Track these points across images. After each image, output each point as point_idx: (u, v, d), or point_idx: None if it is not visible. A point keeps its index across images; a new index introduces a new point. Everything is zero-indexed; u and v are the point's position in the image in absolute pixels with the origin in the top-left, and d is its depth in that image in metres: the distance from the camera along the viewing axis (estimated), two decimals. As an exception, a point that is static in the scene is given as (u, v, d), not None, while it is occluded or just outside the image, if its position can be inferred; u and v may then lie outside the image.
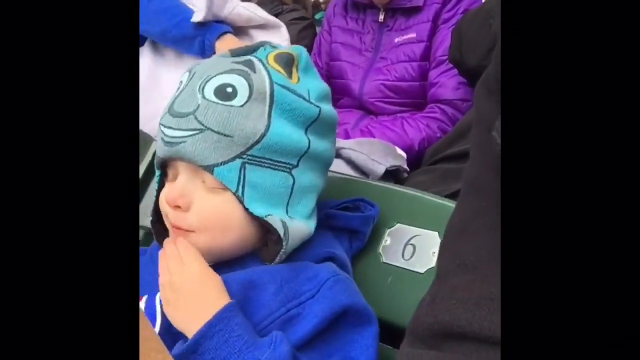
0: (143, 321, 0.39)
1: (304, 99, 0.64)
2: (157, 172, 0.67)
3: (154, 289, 0.62)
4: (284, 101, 0.63)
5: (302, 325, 0.59)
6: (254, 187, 0.62)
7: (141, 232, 0.92)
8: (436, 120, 1.36)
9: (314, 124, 0.65)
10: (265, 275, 0.62)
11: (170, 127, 0.62)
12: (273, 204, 0.63)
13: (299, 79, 0.66)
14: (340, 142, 1.17)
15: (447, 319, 0.44)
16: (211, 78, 0.62)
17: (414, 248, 0.73)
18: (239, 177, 0.61)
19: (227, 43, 1.34)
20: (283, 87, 0.63)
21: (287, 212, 0.65)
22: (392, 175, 1.14)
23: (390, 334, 0.69)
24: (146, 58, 1.44)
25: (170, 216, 0.64)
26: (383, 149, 1.17)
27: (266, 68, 0.64)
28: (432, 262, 0.71)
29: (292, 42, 1.53)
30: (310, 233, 0.66)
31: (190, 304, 0.59)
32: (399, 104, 1.42)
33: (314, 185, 0.67)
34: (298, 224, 0.65)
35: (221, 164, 0.60)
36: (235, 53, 0.66)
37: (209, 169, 0.60)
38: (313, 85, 0.67)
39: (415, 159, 1.29)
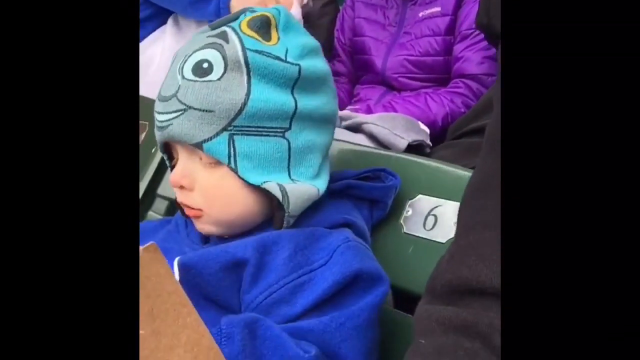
0: (168, 275, 0.40)
1: (281, 59, 0.64)
2: (165, 156, 0.69)
3: (175, 254, 0.63)
4: (259, 66, 0.62)
5: (312, 291, 0.59)
6: (246, 156, 0.62)
7: (166, 203, 0.94)
8: (460, 95, 1.34)
9: (298, 82, 0.64)
10: (279, 240, 0.63)
11: (159, 112, 0.64)
12: (270, 171, 0.64)
13: (278, 39, 0.65)
14: (362, 117, 1.17)
15: (467, 275, 0.45)
16: (189, 57, 0.63)
17: (436, 219, 0.73)
18: (229, 150, 0.62)
19: (242, 1, 1.33)
20: (256, 52, 0.63)
21: (289, 175, 0.65)
22: (414, 150, 1.13)
23: (411, 303, 0.69)
24: (168, 37, 1.45)
25: (177, 196, 0.67)
26: (405, 123, 1.16)
27: (239, 36, 0.63)
28: (454, 232, 0.71)
29: (314, 17, 1.52)
30: (318, 193, 0.66)
31: None
32: (423, 80, 1.40)
33: (315, 144, 0.67)
34: (301, 186, 0.65)
35: (209, 139, 0.61)
36: (213, 26, 0.66)
37: (199, 146, 0.62)
38: (294, 43, 0.66)
39: (439, 134, 1.28)
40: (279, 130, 0.64)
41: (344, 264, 0.60)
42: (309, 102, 0.66)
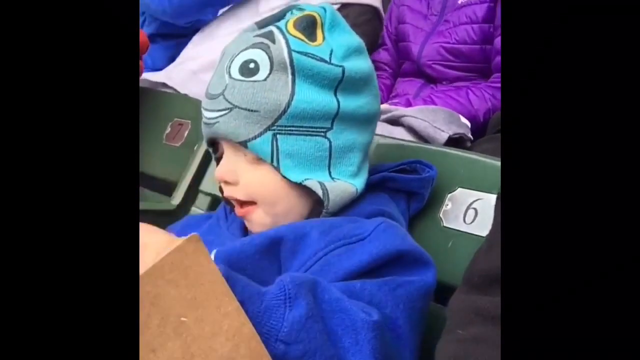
0: (210, 265, 0.42)
1: (325, 61, 0.65)
2: (210, 149, 0.71)
3: (215, 246, 0.65)
4: (304, 67, 0.64)
5: (353, 260, 0.59)
6: (288, 155, 0.64)
7: (209, 198, 0.97)
8: (502, 88, 1.32)
9: (341, 84, 0.65)
10: (313, 222, 0.64)
11: (206, 109, 0.66)
12: (311, 169, 0.65)
13: (324, 39, 0.66)
14: (402, 110, 1.16)
15: None
16: (236, 56, 0.65)
17: (476, 212, 0.72)
18: (272, 148, 0.63)
19: None
20: (301, 53, 0.64)
21: (330, 174, 0.66)
22: (455, 143, 1.11)
23: (449, 297, 0.69)
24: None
25: (224, 190, 0.69)
26: (446, 116, 1.15)
27: (285, 37, 0.65)
28: (494, 225, 0.70)
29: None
30: (356, 192, 0.67)
31: None
32: (458, 69, 1.38)
33: (355, 144, 0.68)
34: (341, 185, 0.66)
35: (253, 138, 0.63)
36: (260, 24, 0.68)
37: (244, 144, 0.64)
38: (339, 43, 0.67)
39: (480, 130, 1.26)
40: (321, 130, 0.65)
41: (387, 239, 0.61)
42: (352, 103, 0.67)
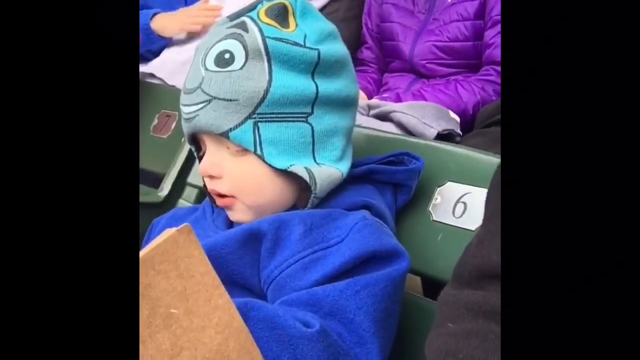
0: (201, 257, 0.41)
1: (300, 45, 0.65)
2: (192, 147, 0.70)
3: (200, 239, 0.64)
4: (280, 53, 0.63)
5: (327, 264, 0.60)
6: (271, 143, 0.63)
7: (196, 191, 0.96)
8: (491, 83, 1.32)
9: (318, 67, 0.65)
10: (296, 217, 0.63)
11: (185, 105, 0.65)
12: (296, 156, 0.65)
13: (296, 25, 0.66)
14: (391, 106, 1.16)
15: (495, 259, 0.44)
16: (210, 49, 0.65)
17: (465, 206, 0.72)
18: (254, 137, 0.63)
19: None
20: (276, 39, 0.64)
21: (314, 160, 0.66)
22: (444, 139, 1.12)
23: (440, 290, 0.69)
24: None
25: (207, 184, 0.68)
26: (435, 112, 1.15)
27: (257, 25, 0.65)
28: (483, 220, 0.70)
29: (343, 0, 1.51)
30: (342, 176, 0.67)
31: None
32: (451, 65, 1.38)
33: (337, 128, 0.68)
34: (326, 169, 0.66)
35: (234, 128, 0.63)
36: (232, 16, 0.67)
37: (225, 135, 0.63)
38: (311, 28, 0.67)
39: (470, 123, 1.26)
40: (301, 115, 0.65)
41: (361, 241, 0.61)
42: (330, 86, 0.66)
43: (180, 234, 0.41)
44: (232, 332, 0.44)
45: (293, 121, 0.64)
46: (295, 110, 0.64)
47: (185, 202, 0.96)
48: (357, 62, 1.53)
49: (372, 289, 0.59)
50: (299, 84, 0.64)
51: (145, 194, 0.98)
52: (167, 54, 1.45)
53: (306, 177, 0.64)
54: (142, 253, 0.40)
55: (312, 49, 0.65)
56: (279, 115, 0.64)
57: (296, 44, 0.65)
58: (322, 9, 1.48)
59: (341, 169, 0.67)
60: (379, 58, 1.53)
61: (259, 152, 0.63)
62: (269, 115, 0.63)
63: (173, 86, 1.24)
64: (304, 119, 0.65)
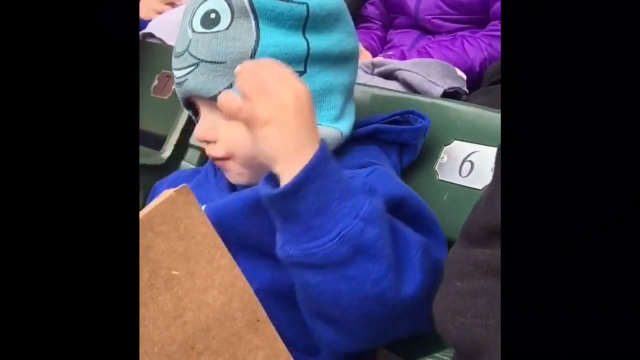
0: (201, 218, 0.41)
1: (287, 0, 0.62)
2: (190, 112, 0.69)
3: (204, 202, 0.63)
4: (266, 9, 0.61)
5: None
6: None
7: (199, 152, 0.95)
8: (499, 38, 1.29)
9: (308, 22, 0.63)
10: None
11: (176, 69, 0.64)
12: None
13: None
14: (396, 64, 1.13)
15: None
16: (197, 9, 0.62)
17: (472, 165, 0.71)
18: None
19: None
20: None
21: None
22: (450, 97, 1.09)
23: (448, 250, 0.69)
24: None
25: (205, 149, 0.67)
26: (441, 69, 1.13)
27: None
28: (491, 178, 0.69)
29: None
30: (341, 135, 0.65)
31: (287, 124, 0.53)
32: (458, 21, 1.34)
33: (334, 85, 0.65)
34: (324, 130, 0.63)
35: (224, 90, 0.61)
36: None
37: (215, 98, 0.61)
38: None
39: (477, 80, 1.24)
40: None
41: (385, 184, 0.59)
42: (323, 42, 0.64)
43: (179, 195, 0.40)
44: (235, 292, 0.43)
45: None
46: None
47: (187, 164, 0.95)
48: (361, 18, 1.49)
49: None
50: (289, 42, 0.62)
51: (147, 156, 0.97)
52: (166, 14, 1.42)
53: None
54: (140, 215, 0.39)
55: (300, 3, 0.62)
56: None
57: None
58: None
59: (340, 128, 0.65)
60: (383, 14, 1.49)
61: None
62: None
63: (173, 46, 1.21)
64: None
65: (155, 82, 1.09)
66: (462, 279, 0.46)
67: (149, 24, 1.37)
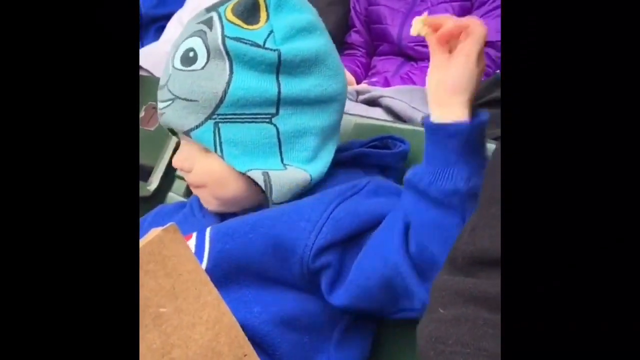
0: (188, 255, 0.41)
1: (259, 45, 0.63)
2: (176, 137, 0.72)
3: (203, 227, 0.65)
4: (239, 53, 0.63)
5: (358, 208, 0.61)
6: (232, 143, 0.64)
7: (185, 183, 0.95)
8: (479, 64, 1.32)
9: (282, 67, 0.64)
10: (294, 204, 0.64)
11: (159, 100, 0.67)
12: (259, 156, 0.64)
13: (267, 19, 0.65)
14: (380, 91, 1.16)
15: (487, 246, 0.45)
16: (179, 45, 0.65)
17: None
18: (214, 137, 0.64)
19: None
20: (235, 39, 0.63)
21: (282, 160, 0.65)
22: (433, 122, 1.11)
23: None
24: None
25: (184, 176, 0.71)
26: (423, 96, 1.13)
27: (222, 22, 0.64)
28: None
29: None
30: (310, 179, 0.66)
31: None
32: (440, 48, 1.38)
33: (308, 128, 0.66)
34: (290, 173, 0.65)
35: (195, 127, 0.63)
36: (208, 8, 0.66)
37: (187, 134, 0.64)
38: (282, 23, 0.65)
39: (458, 105, 1.26)
40: (264, 116, 0.64)
41: (383, 192, 0.62)
42: (296, 86, 0.65)
43: (166, 233, 0.41)
44: (222, 328, 0.44)
45: (255, 122, 0.64)
46: (257, 111, 0.64)
47: (174, 194, 0.96)
48: (346, 45, 1.52)
49: None
50: (259, 85, 0.63)
51: (135, 188, 0.97)
52: (153, 45, 1.44)
53: (261, 184, 0.64)
54: (128, 254, 0.40)
55: (271, 50, 0.63)
56: (240, 116, 0.64)
57: (255, 44, 0.63)
58: (308, -7, 1.47)
59: (310, 171, 0.66)
60: (367, 41, 1.52)
61: (219, 152, 0.64)
62: (230, 116, 0.63)
63: (159, 77, 1.22)
64: (267, 120, 0.64)
65: (142, 114, 1.10)
66: (445, 307, 0.47)
67: (135, 55, 1.38)
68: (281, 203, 0.65)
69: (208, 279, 0.43)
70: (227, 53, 0.63)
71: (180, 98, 0.63)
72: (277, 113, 0.65)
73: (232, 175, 0.65)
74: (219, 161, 0.65)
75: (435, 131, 0.56)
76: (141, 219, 0.78)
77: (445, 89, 0.57)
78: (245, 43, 0.63)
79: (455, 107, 0.56)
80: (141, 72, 1.29)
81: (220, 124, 0.63)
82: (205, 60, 0.63)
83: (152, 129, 1.06)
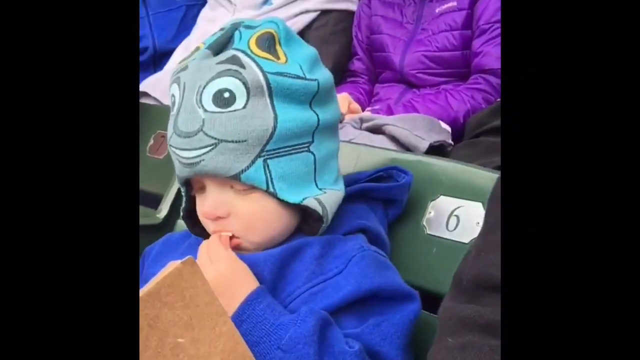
0: (205, 286, 0.43)
1: (301, 77, 0.64)
2: (184, 191, 0.68)
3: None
4: (282, 87, 0.62)
5: (326, 297, 0.61)
6: (281, 178, 0.63)
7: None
8: (480, 91, 1.34)
9: (316, 96, 0.65)
10: (297, 251, 0.65)
11: (183, 149, 0.62)
12: (304, 186, 0.65)
13: (286, 55, 0.65)
14: (383, 119, 1.18)
15: (492, 272, 0.46)
16: (204, 87, 0.61)
17: (458, 219, 0.74)
18: (266, 175, 0.62)
19: None
20: (277, 74, 0.62)
21: (317, 185, 0.67)
22: (436, 150, 1.13)
23: (436, 304, 0.71)
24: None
25: (212, 226, 0.66)
26: (426, 124, 1.17)
27: (253, 59, 0.62)
28: (476, 232, 0.71)
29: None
30: (342, 195, 0.68)
31: (223, 296, 0.58)
32: (441, 75, 1.40)
33: (333, 151, 0.69)
34: (331, 194, 0.67)
35: (245, 169, 0.61)
36: (214, 50, 0.64)
37: (236, 177, 0.62)
38: (302, 56, 0.66)
39: (461, 131, 1.28)
40: (304, 145, 0.65)
41: (360, 275, 0.62)
42: (327, 113, 0.67)
43: (185, 266, 0.43)
44: (236, 357, 0.45)
45: (298, 152, 0.65)
46: (300, 142, 0.65)
47: (184, 223, 0.97)
48: (349, 73, 1.55)
49: (391, 321, 0.62)
50: (302, 116, 0.64)
51: (144, 216, 0.98)
52: (160, 73, 1.46)
53: (318, 209, 0.65)
54: (148, 286, 0.41)
55: (312, 80, 0.65)
56: (286, 149, 0.64)
57: (297, 77, 0.64)
58: (312, 23, 1.50)
59: (340, 189, 0.69)
60: (369, 69, 1.55)
61: (271, 189, 0.63)
62: (277, 151, 0.63)
63: (168, 106, 1.25)
64: (306, 149, 0.65)
65: (151, 142, 1.12)
66: (452, 335, 0.49)
67: (143, 82, 1.41)
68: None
69: (224, 310, 0.45)
70: (269, 88, 0.62)
71: (225, 141, 0.61)
72: (312, 141, 0.66)
73: (278, 212, 0.65)
74: (263, 200, 0.64)
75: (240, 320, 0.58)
76: (149, 247, 0.78)
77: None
78: (288, 77, 0.63)
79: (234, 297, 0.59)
80: (149, 101, 1.32)
81: (269, 160, 0.62)
82: (245, 99, 0.61)
83: (161, 157, 1.08)
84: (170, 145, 0.64)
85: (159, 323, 0.41)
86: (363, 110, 1.40)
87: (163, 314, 0.41)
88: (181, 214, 0.72)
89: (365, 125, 1.17)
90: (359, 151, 0.85)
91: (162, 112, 1.19)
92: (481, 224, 0.70)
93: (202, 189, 0.66)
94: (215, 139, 0.61)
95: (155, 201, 1.02)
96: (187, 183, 0.68)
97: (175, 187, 0.99)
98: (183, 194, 0.69)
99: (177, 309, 0.42)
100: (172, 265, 0.43)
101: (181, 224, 0.98)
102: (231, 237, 0.65)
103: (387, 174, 0.75)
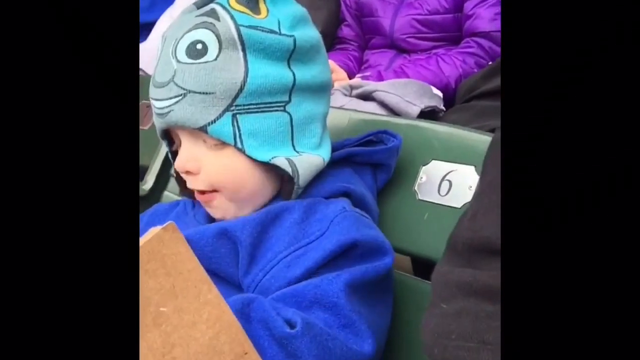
0: (188, 253, 0.41)
1: (275, 32, 0.63)
2: (165, 142, 0.68)
3: (194, 227, 0.65)
4: (254, 41, 0.62)
5: (309, 259, 0.60)
6: (251, 134, 0.62)
7: (181, 182, 0.95)
8: (472, 55, 1.32)
9: (293, 54, 0.64)
10: (277, 216, 0.63)
11: (157, 99, 0.63)
12: (276, 146, 0.64)
13: (267, 11, 0.64)
14: (374, 85, 1.16)
15: (488, 234, 0.45)
16: (180, 39, 0.62)
17: (450, 184, 0.73)
18: (234, 130, 0.62)
19: None
20: (250, 27, 0.62)
21: (294, 148, 0.65)
22: (427, 116, 1.12)
23: (430, 269, 0.70)
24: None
25: (187, 182, 0.66)
26: (417, 89, 1.15)
27: (229, 12, 0.62)
28: (469, 196, 0.70)
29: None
30: (323, 162, 0.67)
31: None
32: (432, 39, 1.38)
33: (315, 114, 0.67)
34: (307, 157, 0.65)
35: (212, 122, 0.61)
36: (199, 4, 0.65)
37: (203, 129, 0.61)
38: (284, 13, 0.65)
39: (453, 96, 1.27)
40: (279, 104, 0.63)
41: (341, 233, 0.61)
42: (306, 73, 0.65)
43: (166, 232, 0.41)
44: (223, 326, 0.44)
45: (272, 111, 0.63)
46: (274, 100, 0.63)
47: (170, 194, 0.96)
48: (338, 40, 1.52)
49: (354, 274, 0.59)
50: (276, 73, 0.63)
51: (130, 187, 0.97)
52: (146, 43, 1.43)
53: (288, 169, 0.63)
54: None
55: (287, 35, 0.63)
56: (258, 106, 0.62)
57: (271, 31, 0.63)
58: (299, -11, 1.46)
59: (322, 155, 0.67)
60: (359, 35, 1.52)
61: (239, 145, 0.62)
62: (248, 107, 0.62)
63: (152, 76, 1.22)
64: (282, 108, 0.64)
65: (136, 112, 1.09)
66: (447, 301, 0.47)
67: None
68: (302, 187, 0.65)
69: (207, 277, 0.43)
70: (242, 42, 0.61)
71: (194, 92, 0.60)
72: (289, 101, 0.64)
73: (249, 169, 0.63)
74: (234, 156, 0.63)
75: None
76: None
77: None
78: (262, 30, 0.62)
79: None
80: (133, 71, 1.29)
81: (238, 115, 0.61)
82: (217, 51, 0.60)
83: (146, 127, 1.05)
84: (150, 97, 0.65)
85: (140, 292, 0.39)
86: (352, 77, 1.37)
87: (144, 282, 0.40)
88: (173, 175, 0.72)
89: (355, 92, 1.15)
90: (349, 117, 0.83)
91: (146, 81, 1.16)
92: (474, 187, 0.69)
93: (180, 143, 0.66)
94: (184, 89, 0.61)
95: (140, 173, 1.00)
96: (169, 138, 0.68)
97: (160, 158, 0.98)
98: (167, 151, 0.69)
99: (158, 276, 0.40)
100: (153, 231, 0.41)
101: (167, 196, 0.96)
102: (203, 192, 0.65)
103: (377, 138, 0.74)
